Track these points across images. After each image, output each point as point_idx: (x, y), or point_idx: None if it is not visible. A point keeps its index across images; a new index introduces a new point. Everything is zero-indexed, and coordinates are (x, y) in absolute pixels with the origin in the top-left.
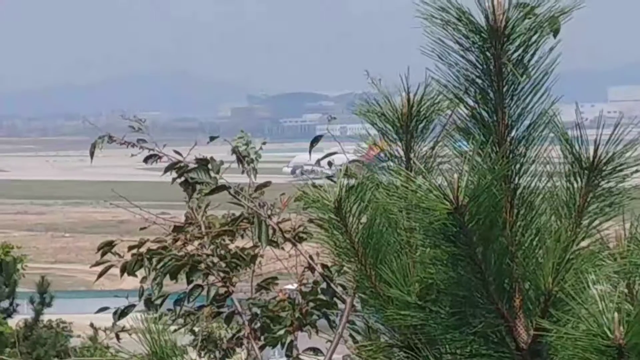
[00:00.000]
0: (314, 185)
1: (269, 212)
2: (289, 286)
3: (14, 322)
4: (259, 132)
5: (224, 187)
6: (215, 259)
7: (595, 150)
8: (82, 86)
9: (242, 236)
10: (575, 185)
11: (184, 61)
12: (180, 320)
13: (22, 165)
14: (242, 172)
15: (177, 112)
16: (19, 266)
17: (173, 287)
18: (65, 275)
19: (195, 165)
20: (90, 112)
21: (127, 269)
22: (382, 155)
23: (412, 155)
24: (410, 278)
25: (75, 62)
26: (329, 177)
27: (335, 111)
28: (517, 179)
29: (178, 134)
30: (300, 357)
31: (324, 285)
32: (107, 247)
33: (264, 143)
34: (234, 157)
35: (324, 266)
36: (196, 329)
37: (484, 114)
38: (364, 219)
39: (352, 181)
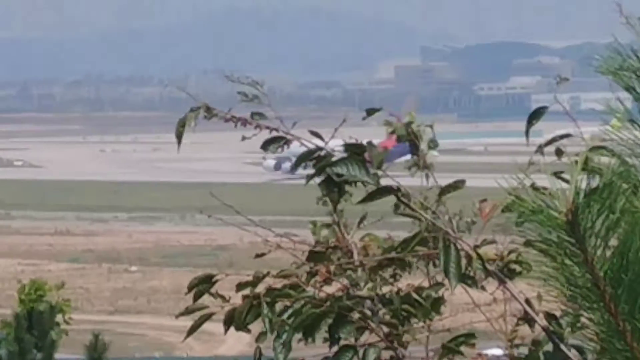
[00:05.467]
0: (533, 188)
1: (462, 230)
2: (494, 350)
3: None
4: (440, 105)
5: (391, 190)
6: (376, 305)
7: None
8: (151, 30)
9: (418, 268)
10: None
11: None
12: None
13: (63, 157)
14: (410, 169)
15: (310, 73)
16: (58, 318)
17: (308, 349)
18: (130, 332)
19: (345, 155)
20: (169, 73)
21: (236, 320)
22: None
23: None
24: None
25: None
26: (557, 174)
27: (562, 71)
28: None
29: (312, 107)
30: None
31: (549, 347)
32: (203, 285)
33: (430, 126)
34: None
35: (549, 316)
36: None
37: None
38: (614, 241)
39: (595, 180)
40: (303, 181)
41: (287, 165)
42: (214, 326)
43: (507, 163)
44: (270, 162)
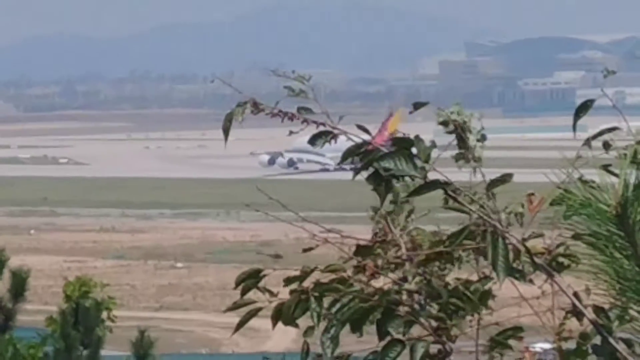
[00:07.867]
0: (581, 181)
1: (509, 224)
2: (542, 344)
3: None
4: (484, 100)
5: (438, 184)
6: (424, 299)
7: None
8: (195, 27)
9: (468, 262)
10: None
11: None
12: None
13: (108, 153)
14: (463, 161)
15: (354, 69)
16: (103, 315)
17: (355, 344)
18: (176, 329)
19: (392, 149)
20: (213, 70)
21: (284, 315)
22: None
23: None
24: None
25: None
26: (605, 168)
27: (606, 65)
28: None
29: (356, 103)
30: None
31: (597, 340)
32: (251, 279)
33: (479, 118)
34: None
35: (597, 310)
36: None
37: None
38: None
39: None
40: (293, 177)
41: (281, 160)
42: (260, 322)
43: (551, 158)
44: (265, 157)
